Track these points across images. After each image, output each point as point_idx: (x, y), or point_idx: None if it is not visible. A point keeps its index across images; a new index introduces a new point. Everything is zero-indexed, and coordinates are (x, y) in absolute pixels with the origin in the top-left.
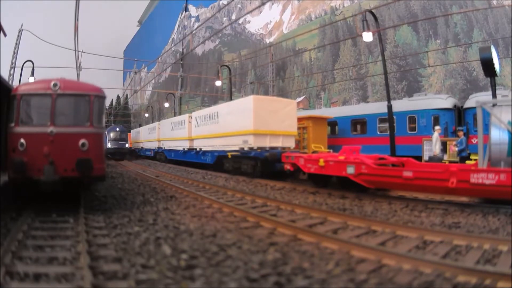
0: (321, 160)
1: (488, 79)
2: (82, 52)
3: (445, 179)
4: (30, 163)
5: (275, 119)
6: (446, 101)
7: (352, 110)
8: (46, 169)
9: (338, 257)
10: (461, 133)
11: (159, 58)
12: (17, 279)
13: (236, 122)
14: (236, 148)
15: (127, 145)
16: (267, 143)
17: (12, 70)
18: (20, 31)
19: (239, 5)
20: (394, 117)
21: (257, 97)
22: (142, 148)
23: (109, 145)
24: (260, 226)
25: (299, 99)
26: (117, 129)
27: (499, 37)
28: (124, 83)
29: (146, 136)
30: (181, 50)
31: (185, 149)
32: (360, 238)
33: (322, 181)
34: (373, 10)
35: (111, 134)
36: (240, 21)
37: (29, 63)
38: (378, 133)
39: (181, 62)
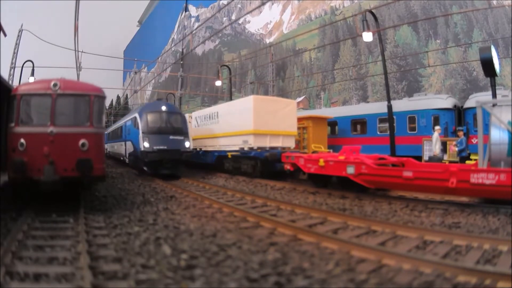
0: (321, 160)
1: (488, 79)
2: (82, 52)
3: (445, 179)
4: (30, 163)
5: (275, 119)
6: (446, 101)
7: (352, 110)
8: (46, 169)
9: (338, 257)
10: (461, 133)
11: (159, 58)
12: (17, 279)
13: (236, 122)
14: (236, 148)
15: (187, 144)
16: (267, 143)
17: (12, 70)
18: (20, 31)
19: (239, 5)
20: (394, 117)
21: (257, 97)
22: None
23: (144, 144)
24: (260, 226)
25: (299, 99)
26: (163, 107)
27: (499, 37)
28: (124, 83)
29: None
30: (181, 50)
31: None
32: (360, 238)
33: (322, 181)
34: (373, 10)
35: (149, 118)
36: (240, 21)
37: (29, 63)
38: (378, 133)
39: (181, 62)
